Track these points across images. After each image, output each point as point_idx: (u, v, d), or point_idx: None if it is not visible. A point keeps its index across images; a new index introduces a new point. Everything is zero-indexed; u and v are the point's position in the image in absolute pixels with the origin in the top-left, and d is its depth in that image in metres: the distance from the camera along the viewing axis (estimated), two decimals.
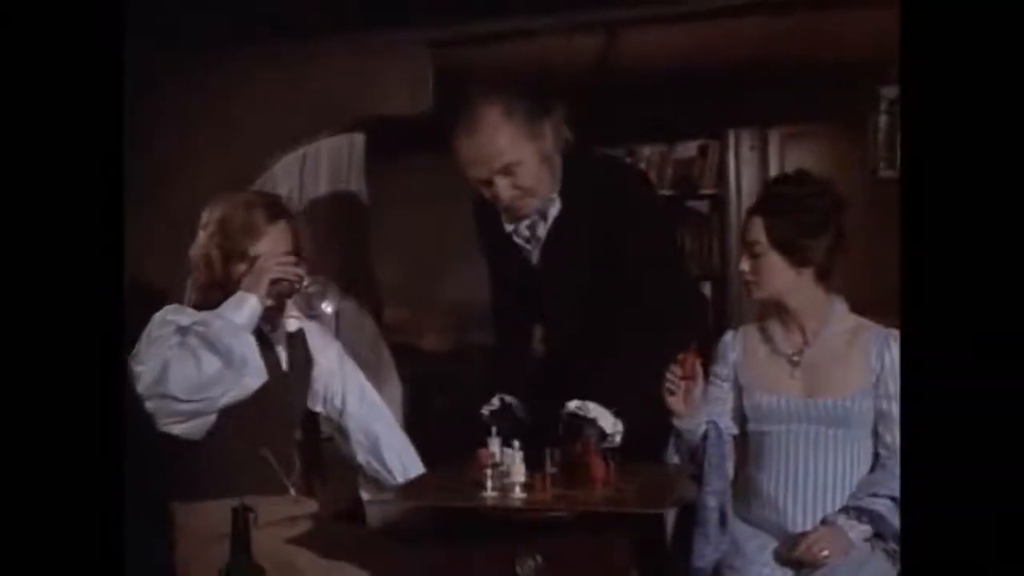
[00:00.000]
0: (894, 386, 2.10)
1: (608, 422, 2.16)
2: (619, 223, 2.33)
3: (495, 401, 2.39)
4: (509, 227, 2.42)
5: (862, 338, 2.16)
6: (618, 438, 2.17)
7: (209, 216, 2.23)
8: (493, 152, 2.26)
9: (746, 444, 2.24)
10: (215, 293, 2.20)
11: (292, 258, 2.19)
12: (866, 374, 2.13)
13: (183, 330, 2.06)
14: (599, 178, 2.40)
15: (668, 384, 2.15)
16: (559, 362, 2.49)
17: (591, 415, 2.16)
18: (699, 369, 2.15)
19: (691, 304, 2.61)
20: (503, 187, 2.30)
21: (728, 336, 2.30)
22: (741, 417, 2.25)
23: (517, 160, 2.28)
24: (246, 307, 2.10)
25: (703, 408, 2.17)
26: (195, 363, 2.01)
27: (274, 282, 2.14)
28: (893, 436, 2.10)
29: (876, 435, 2.13)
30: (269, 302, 2.15)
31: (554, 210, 2.38)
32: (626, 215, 2.34)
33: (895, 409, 2.10)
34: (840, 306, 2.22)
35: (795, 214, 2.14)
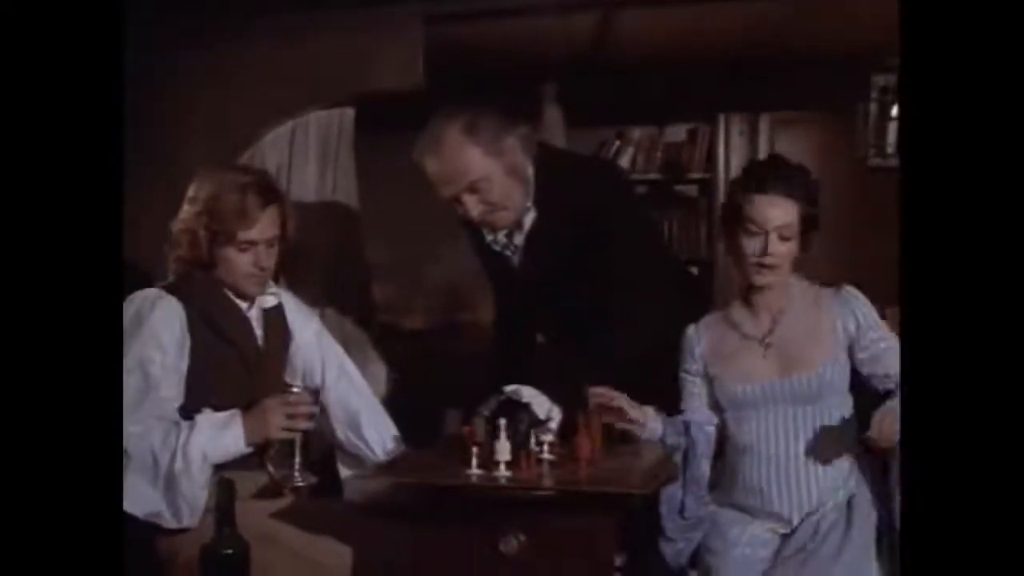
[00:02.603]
0: (875, 333, 2.13)
1: (542, 408, 2.14)
2: (595, 223, 2.33)
3: (492, 402, 2.37)
4: (488, 237, 2.45)
5: (824, 307, 2.18)
6: (554, 424, 2.14)
7: (197, 192, 2.19)
8: (457, 171, 2.28)
9: (724, 431, 2.24)
10: (197, 270, 2.18)
11: (304, 406, 2.14)
12: (834, 342, 2.15)
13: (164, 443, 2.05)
14: (573, 181, 2.40)
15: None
16: (549, 358, 2.51)
17: (524, 399, 2.13)
18: (599, 429, 2.12)
19: (681, 287, 2.61)
20: (471, 204, 2.31)
21: (690, 330, 2.28)
22: (716, 406, 2.24)
23: (482, 176, 2.29)
24: (231, 447, 2.08)
25: (650, 422, 2.17)
26: (151, 484, 2.03)
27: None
28: (895, 367, 2.03)
29: (871, 382, 2.13)
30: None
31: (529, 219, 2.40)
32: (602, 215, 2.34)
33: (882, 346, 2.11)
34: (800, 282, 2.23)
35: (809, 197, 2.15)
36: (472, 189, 2.30)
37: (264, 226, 2.18)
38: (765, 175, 2.17)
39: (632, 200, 2.70)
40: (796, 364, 2.15)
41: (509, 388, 2.15)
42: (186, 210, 2.19)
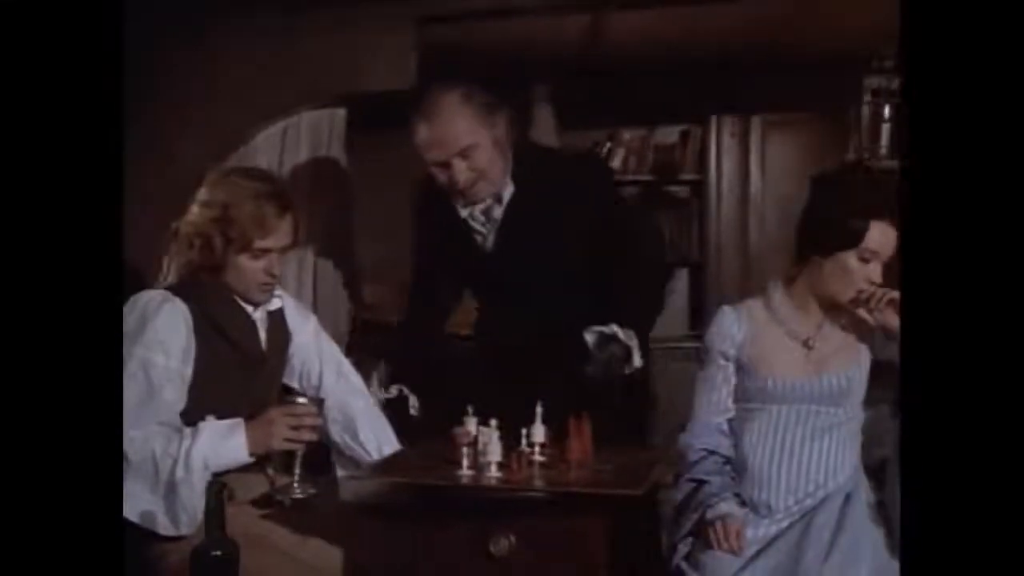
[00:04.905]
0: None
1: (636, 354, 2.28)
2: (571, 203, 2.43)
3: (392, 390, 2.46)
4: (464, 212, 2.49)
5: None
6: (637, 362, 2.29)
7: (211, 195, 2.15)
8: (452, 135, 2.37)
9: (738, 420, 2.23)
10: (206, 274, 2.16)
11: (310, 418, 2.11)
12: (861, 347, 2.17)
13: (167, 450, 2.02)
14: (549, 162, 2.54)
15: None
16: (515, 344, 2.52)
17: (622, 337, 2.26)
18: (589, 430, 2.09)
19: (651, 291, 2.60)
20: (460, 169, 2.39)
21: (728, 312, 2.24)
22: (735, 397, 2.23)
23: (474, 143, 2.38)
24: (233, 456, 2.05)
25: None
26: (151, 490, 2.01)
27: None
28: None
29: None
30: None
31: (508, 192, 2.48)
32: (577, 196, 2.44)
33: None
34: None
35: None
36: (463, 154, 2.39)
37: (280, 235, 2.17)
38: (882, 197, 2.08)
39: (609, 186, 2.74)
40: (828, 365, 2.16)
41: (600, 327, 2.28)
42: (198, 213, 2.16)
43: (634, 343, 2.29)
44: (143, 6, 2.22)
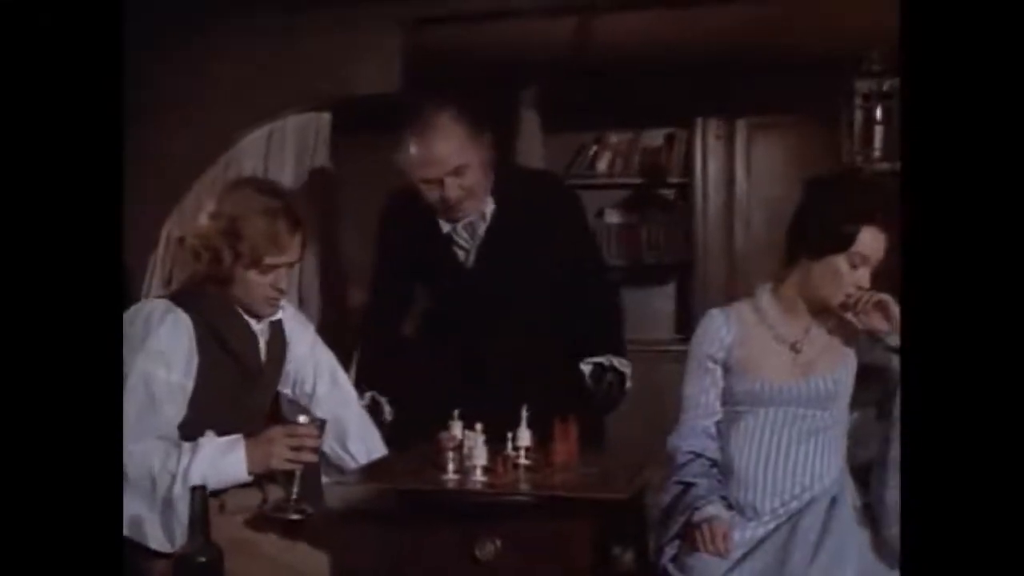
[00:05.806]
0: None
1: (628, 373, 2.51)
2: (545, 220, 2.55)
3: (366, 397, 2.50)
4: (447, 228, 2.55)
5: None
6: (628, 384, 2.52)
7: (219, 207, 2.11)
8: (446, 154, 2.45)
9: (725, 423, 2.22)
10: (211, 285, 2.13)
11: (311, 439, 2.05)
12: (846, 348, 2.17)
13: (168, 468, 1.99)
14: (524, 181, 2.68)
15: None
16: (495, 360, 2.57)
17: (617, 367, 2.45)
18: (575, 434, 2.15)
19: (605, 314, 2.66)
20: (452, 187, 2.47)
21: (717, 315, 2.24)
22: (723, 399, 2.23)
23: (465, 163, 2.47)
24: (232, 474, 2.01)
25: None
26: (148, 506, 1.98)
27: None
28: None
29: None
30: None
31: (490, 209, 2.56)
32: (550, 214, 2.57)
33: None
34: None
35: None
36: (456, 172, 2.46)
37: (291, 252, 2.15)
38: (874, 202, 2.09)
39: (578, 206, 2.79)
40: (815, 368, 2.16)
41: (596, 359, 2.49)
42: (208, 225, 2.11)
43: (628, 370, 2.45)
44: (143, 6, 2.21)
